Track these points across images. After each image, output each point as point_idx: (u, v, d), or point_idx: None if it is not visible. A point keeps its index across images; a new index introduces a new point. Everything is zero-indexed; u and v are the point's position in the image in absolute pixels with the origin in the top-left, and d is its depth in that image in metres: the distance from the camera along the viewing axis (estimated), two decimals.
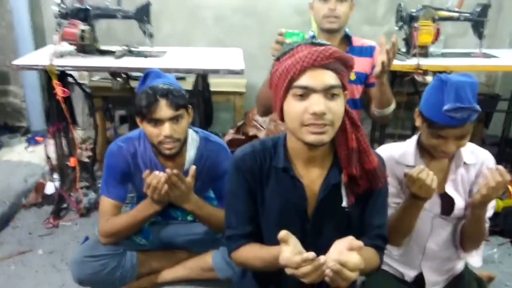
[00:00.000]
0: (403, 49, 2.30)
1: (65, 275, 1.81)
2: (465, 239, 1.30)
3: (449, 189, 1.28)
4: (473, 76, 1.20)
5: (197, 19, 3.00)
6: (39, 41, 3.01)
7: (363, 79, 1.81)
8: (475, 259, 1.35)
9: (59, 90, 1.97)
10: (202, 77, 2.22)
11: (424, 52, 2.20)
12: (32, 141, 2.98)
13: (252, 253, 1.11)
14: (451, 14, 2.25)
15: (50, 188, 2.40)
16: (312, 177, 1.08)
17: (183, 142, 1.52)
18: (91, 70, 2.56)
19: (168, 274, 1.72)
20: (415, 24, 2.13)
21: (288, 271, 0.90)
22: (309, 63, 0.95)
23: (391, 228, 1.20)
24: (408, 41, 2.24)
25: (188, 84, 2.33)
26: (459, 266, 1.40)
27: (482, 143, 2.77)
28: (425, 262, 1.36)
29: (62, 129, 2.27)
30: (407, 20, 2.21)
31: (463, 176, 1.29)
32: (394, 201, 1.30)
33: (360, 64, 1.79)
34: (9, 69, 3.07)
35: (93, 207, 2.28)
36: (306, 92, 0.96)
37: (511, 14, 2.86)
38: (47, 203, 2.35)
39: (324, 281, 0.90)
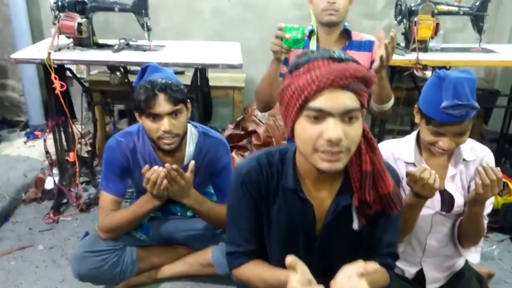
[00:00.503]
0: (402, 44, 2.29)
1: (65, 270, 1.81)
2: (463, 235, 1.30)
3: (448, 185, 1.29)
4: (472, 72, 1.19)
5: (195, 12, 2.98)
6: (37, 35, 2.99)
7: None
8: (473, 256, 1.36)
9: (58, 84, 1.96)
10: (201, 71, 2.21)
11: (423, 46, 2.19)
12: (31, 136, 2.97)
13: (256, 273, 1.07)
14: (450, 8, 2.24)
15: (50, 183, 2.40)
16: (321, 197, 1.02)
17: (182, 137, 1.52)
18: (89, 63, 2.56)
19: (168, 269, 1.73)
20: (415, 19, 2.12)
21: None
22: (326, 84, 0.83)
23: None
24: (407, 36, 2.23)
25: (187, 79, 2.31)
26: (460, 263, 1.40)
27: (481, 139, 2.78)
28: (425, 259, 1.36)
29: (61, 123, 2.27)
30: (406, 15, 2.20)
31: (462, 173, 1.29)
32: None
33: (359, 59, 1.76)
34: (7, 63, 3.05)
35: (93, 202, 2.28)
36: (321, 115, 0.85)
37: (511, 9, 2.85)
38: (47, 198, 2.35)
39: None
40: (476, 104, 1.14)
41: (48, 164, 2.43)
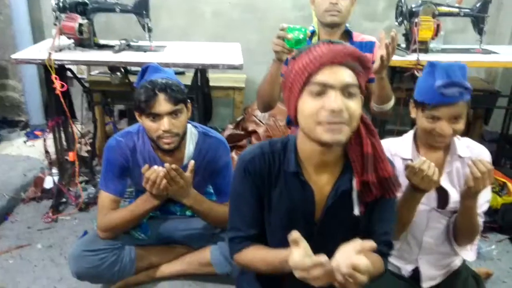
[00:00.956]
0: (403, 45, 2.29)
1: (63, 269, 1.81)
2: (458, 232, 1.30)
3: (444, 182, 1.29)
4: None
5: (196, 13, 2.99)
6: (38, 35, 3.00)
7: None
8: (469, 254, 1.36)
9: (58, 84, 1.97)
10: (201, 72, 2.22)
11: (424, 47, 2.19)
12: (31, 135, 2.98)
13: (257, 255, 1.09)
14: (451, 9, 2.24)
15: (49, 182, 2.40)
16: (322, 183, 1.05)
17: (182, 137, 1.52)
18: (89, 64, 2.56)
19: (167, 268, 1.72)
20: (415, 20, 2.12)
21: (297, 273, 0.87)
22: (327, 60, 0.92)
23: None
24: (408, 37, 2.23)
25: (187, 79, 2.32)
26: (457, 262, 1.40)
27: (482, 139, 2.78)
28: (421, 256, 1.36)
29: (61, 123, 2.27)
30: (407, 16, 2.20)
31: (458, 169, 1.29)
32: None
33: None
34: (8, 63, 3.06)
35: (92, 201, 2.28)
36: (323, 89, 0.93)
37: (511, 10, 2.85)
38: (46, 197, 2.35)
39: (333, 285, 0.87)
40: (468, 85, 1.17)
41: (48, 164, 2.43)
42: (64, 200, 2.31)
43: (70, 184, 2.40)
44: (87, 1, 2.14)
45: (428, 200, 1.29)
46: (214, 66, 2.08)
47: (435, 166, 1.17)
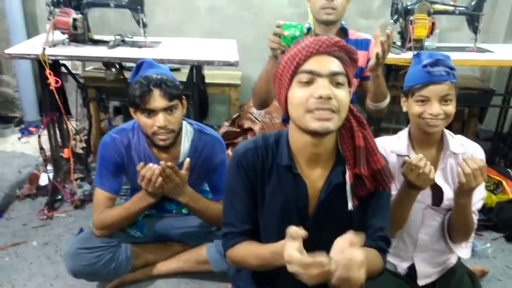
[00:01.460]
0: (398, 43, 2.30)
1: (59, 266, 1.80)
2: (453, 229, 1.32)
3: (438, 179, 1.30)
4: None
5: (191, 9, 2.97)
6: (32, 30, 2.97)
7: (359, 73, 1.81)
8: (464, 251, 1.37)
9: (52, 80, 1.95)
10: (197, 68, 2.21)
11: (419, 45, 2.20)
12: (25, 132, 2.96)
13: (249, 250, 1.09)
14: (446, 7, 2.25)
15: (44, 179, 2.39)
16: (314, 176, 1.06)
17: (177, 134, 1.52)
18: (84, 59, 2.54)
19: (163, 266, 1.72)
20: (411, 18, 2.12)
21: (292, 268, 0.86)
22: (314, 49, 0.96)
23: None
24: (403, 35, 2.23)
25: (182, 76, 2.31)
26: (452, 260, 1.41)
27: (476, 138, 2.80)
28: (417, 254, 1.38)
29: (56, 119, 2.26)
30: (403, 14, 2.21)
31: (452, 166, 1.31)
32: None
33: None
34: (2, 58, 3.03)
35: (88, 199, 2.27)
36: (311, 78, 0.96)
37: (506, 9, 2.86)
38: (41, 194, 2.34)
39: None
40: (453, 65, 1.23)
41: (43, 160, 2.42)
42: (59, 197, 2.30)
43: (65, 181, 2.39)
44: None
45: (423, 198, 1.30)
46: (210, 63, 2.08)
47: (429, 163, 1.18)
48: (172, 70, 1.92)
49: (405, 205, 1.25)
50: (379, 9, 2.93)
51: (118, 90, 2.37)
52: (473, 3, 2.24)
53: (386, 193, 1.10)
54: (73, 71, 2.55)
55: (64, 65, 2.30)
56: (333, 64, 0.97)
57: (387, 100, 1.72)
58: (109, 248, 1.58)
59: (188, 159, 1.46)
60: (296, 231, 0.88)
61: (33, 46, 2.09)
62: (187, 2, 2.95)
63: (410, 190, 1.22)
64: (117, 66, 2.30)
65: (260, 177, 1.08)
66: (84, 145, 2.66)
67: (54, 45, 2.07)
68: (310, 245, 0.97)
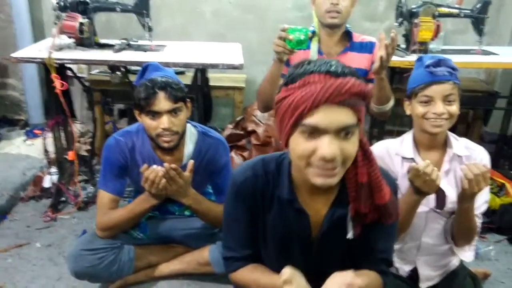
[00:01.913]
0: (403, 45, 2.29)
1: (62, 268, 1.81)
2: (456, 233, 1.31)
3: (442, 182, 1.27)
4: None
5: (197, 13, 2.99)
6: (38, 34, 3.00)
7: (363, 76, 1.81)
8: (467, 254, 1.36)
9: (58, 83, 1.97)
10: (202, 71, 2.22)
11: (423, 48, 2.19)
12: (30, 134, 2.97)
13: (252, 278, 1.07)
14: (451, 10, 2.24)
15: (48, 181, 2.40)
16: (317, 207, 1.01)
17: (181, 136, 1.52)
18: (90, 63, 2.55)
19: (165, 268, 1.72)
20: (415, 20, 2.12)
21: None
22: (322, 100, 0.81)
23: None
24: (408, 37, 2.23)
25: (187, 79, 2.32)
26: (454, 262, 1.40)
27: (481, 140, 2.78)
28: (420, 257, 1.37)
29: (61, 122, 2.27)
30: (407, 16, 2.20)
31: (456, 169, 1.30)
32: None
33: (360, 60, 1.79)
34: (8, 62, 3.05)
35: (91, 200, 2.28)
36: (316, 132, 0.83)
37: (511, 12, 2.85)
38: (46, 196, 2.35)
39: None
40: (456, 66, 1.24)
41: (47, 163, 2.43)
42: (63, 199, 2.31)
43: (70, 183, 2.40)
44: (87, 0, 2.14)
45: (426, 201, 1.29)
46: (214, 66, 2.08)
47: (434, 166, 1.17)
48: (177, 73, 1.94)
49: (409, 210, 1.24)
50: (384, 12, 2.93)
51: (123, 93, 2.38)
52: (478, 6, 2.23)
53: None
54: (79, 75, 2.57)
55: (70, 69, 2.32)
56: (343, 117, 0.82)
57: (391, 102, 1.72)
58: (112, 249, 1.58)
59: (191, 161, 1.46)
60: (287, 276, 0.86)
61: (40, 50, 2.11)
62: (192, 6, 2.97)
63: (415, 195, 1.21)
64: (123, 70, 2.31)
65: (260, 206, 1.03)
66: (88, 147, 2.68)
67: (60, 49, 2.09)
68: (313, 271, 0.97)
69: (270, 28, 2.82)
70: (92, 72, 2.74)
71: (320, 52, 1.77)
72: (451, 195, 1.29)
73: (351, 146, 0.86)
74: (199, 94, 2.23)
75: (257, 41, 2.92)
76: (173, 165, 1.40)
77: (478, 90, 2.62)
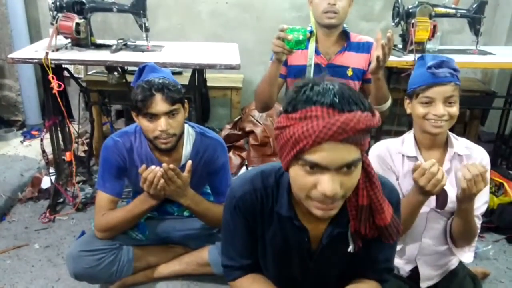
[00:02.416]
0: (400, 45, 2.30)
1: (61, 269, 1.81)
2: (455, 234, 1.31)
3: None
4: None
5: (193, 13, 2.98)
6: (34, 35, 2.99)
7: (360, 75, 1.81)
8: (466, 255, 1.36)
9: (55, 84, 1.96)
10: (199, 72, 2.22)
11: (420, 48, 2.20)
12: (28, 135, 2.97)
13: None
14: (448, 10, 2.25)
15: (46, 182, 2.39)
16: (317, 221, 0.99)
17: (179, 137, 1.52)
18: (87, 64, 2.55)
19: (164, 269, 1.72)
20: (412, 21, 2.13)
21: None
22: (324, 138, 0.76)
23: None
24: (405, 37, 2.24)
25: (184, 79, 2.32)
26: (454, 262, 1.41)
27: (478, 140, 2.79)
28: (420, 257, 1.37)
29: (58, 123, 2.27)
30: (404, 17, 2.21)
31: (456, 168, 1.30)
32: None
33: (357, 60, 1.79)
34: (4, 62, 3.05)
35: (90, 201, 2.28)
36: (317, 168, 0.80)
37: (508, 11, 2.86)
38: (43, 197, 2.35)
39: None
40: (457, 67, 1.24)
41: (45, 164, 2.42)
42: (61, 200, 2.31)
43: (67, 184, 2.40)
44: (84, 1, 2.13)
45: (428, 201, 1.29)
46: (212, 66, 2.08)
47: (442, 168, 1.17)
48: (174, 73, 1.94)
49: (412, 210, 1.24)
50: (381, 12, 2.94)
51: (120, 94, 2.38)
52: (474, 6, 2.24)
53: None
54: (76, 75, 2.57)
55: (67, 69, 2.32)
56: (346, 154, 0.78)
57: (389, 102, 1.72)
58: (111, 250, 1.58)
59: (190, 162, 1.46)
60: None
61: (36, 51, 2.10)
62: (189, 6, 2.97)
63: (419, 196, 1.20)
64: (120, 70, 2.31)
65: (259, 220, 1.02)
66: (86, 148, 2.68)
67: (57, 50, 2.09)
68: (312, 283, 0.98)
69: (267, 28, 2.83)
70: (89, 73, 2.73)
71: (317, 52, 1.78)
72: (452, 195, 1.28)
73: (353, 180, 0.83)
74: (196, 94, 2.23)
75: (254, 41, 2.92)
76: (172, 166, 1.40)
77: (475, 90, 2.63)
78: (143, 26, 2.14)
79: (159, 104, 1.41)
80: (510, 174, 2.35)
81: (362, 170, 0.88)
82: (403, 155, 1.32)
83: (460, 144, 1.31)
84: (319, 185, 0.80)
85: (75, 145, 2.37)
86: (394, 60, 2.11)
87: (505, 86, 2.61)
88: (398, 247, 1.36)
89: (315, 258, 1.04)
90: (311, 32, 1.77)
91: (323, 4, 1.68)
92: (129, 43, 2.24)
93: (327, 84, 0.80)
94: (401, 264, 1.39)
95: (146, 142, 1.56)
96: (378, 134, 2.37)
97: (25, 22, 2.89)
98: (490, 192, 2.19)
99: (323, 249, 1.02)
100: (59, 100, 2.02)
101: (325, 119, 0.76)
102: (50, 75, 1.96)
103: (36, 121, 3.06)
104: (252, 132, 2.66)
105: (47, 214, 2.17)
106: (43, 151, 2.27)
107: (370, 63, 1.76)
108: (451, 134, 1.33)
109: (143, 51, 2.16)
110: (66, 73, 2.29)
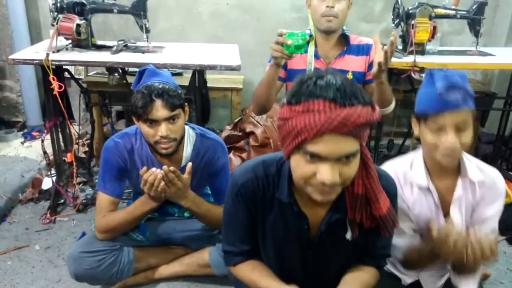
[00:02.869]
0: (400, 47, 2.30)
1: (61, 270, 1.81)
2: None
3: (454, 210, 1.22)
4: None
5: (194, 14, 2.99)
6: (35, 36, 2.99)
7: (361, 78, 1.81)
8: (470, 286, 1.28)
9: (56, 85, 1.97)
10: (199, 73, 2.22)
11: (420, 49, 2.20)
12: (28, 136, 2.97)
13: (252, 279, 1.09)
14: (447, 11, 2.25)
15: (47, 183, 2.40)
16: (316, 208, 1.02)
17: (180, 141, 1.52)
18: (87, 65, 2.56)
19: (165, 270, 1.72)
20: (412, 22, 2.13)
21: None
22: (326, 131, 0.79)
23: (407, 260, 1.20)
24: (405, 39, 2.24)
25: (185, 80, 2.32)
26: None
27: (478, 141, 2.80)
28: (423, 272, 1.32)
29: (59, 124, 2.27)
30: (404, 18, 2.21)
31: (468, 196, 1.22)
32: (407, 225, 1.22)
33: (357, 63, 1.79)
34: (5, 63, 3.05)
35: (90, 202, 2.28)
36: (317, 157, 0.83)
37: (508, 13, 2.87)
38: (44, 198, 2.35)
39: None
40: (471, 91, 1.11)
41: (46, 165, 2.43)
42: (62, 201, 2.31)
43: (68, 185, 2.40)
44: (84, 2, 2.14)
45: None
46: (212, 67, 2.09)
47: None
48: (174, 74, 1.94)
49: (425, 263, 1.20)
50: (381, 13, 2.94)
51: (121, 95, 2.39)
52: (474, 7, 2.24)
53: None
54: (76, 76, 2.57)
55: (67, 70, 2.32)
56: (346, 146, 0.82)
57: (393, 105, 1.71)
58: (111, 251, 1.58)
59: (190, 164, 1.46)
60: None
61: (37, 52, 2.11)
62: (190, 7, 2.97)
63: (434, 256, 1.12)
64: (120, 71, 2.31)
65: (260, 207, 1.05)
66: (86, 149, 2.68)
67: (58, 51, 2.09)
68: (312, 271, 0.99)
69: (268, 29, 2.83)
70: (90, 74, 2.73)
71: (317, 56, 1.77)
72: (458, 222, 1.21)
73: (352, 169, 0.87)
74: (197, 95, 2.23)
75: (255, 42, 2.92)
76: (172, 168, 1.41)
77: (475, 91, 2.56)
78: (144, 27, 2.14)
79: (160, 110, 1.41)
80: (510, 175, 2.35)
81: (360, 160, 0.91)
82: (413, 182, 1.23)
83: (473, 167, 1.21)
84: (318, 174, 0.84)
85: (75, 146, 2.37)
86: (394, 61, 2.10)
87: (505, 87, 2.61)
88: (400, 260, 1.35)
89: (314, 247, 1.06)
90: (310, 36, 1.77)
91: (322, 7, 1.66)
92: (129, 44, 2.24)
93: (330, 79, 0.82)
94: (404, 276, 1.34)
95: (146, 144, 1.56)
96: (378, 135, 2.37)
97: (26, 23, 2.89)
98: None
99: (322, 236, 1.04)
100: (60, 101, 2.03)
101: (326, 113, 0.79)
102: (51, 76, 1.96)
103: (36, 122, 3.07)
104: (252, 133, 2.66)
105: (48, 215, 2.18)
106: (44, 152, 2.28)
107: (369, 65, 1.76)
108: (463, 156, 1.22)
109: (143, 52, 2.16)
110: (66, 74, 2.29)
